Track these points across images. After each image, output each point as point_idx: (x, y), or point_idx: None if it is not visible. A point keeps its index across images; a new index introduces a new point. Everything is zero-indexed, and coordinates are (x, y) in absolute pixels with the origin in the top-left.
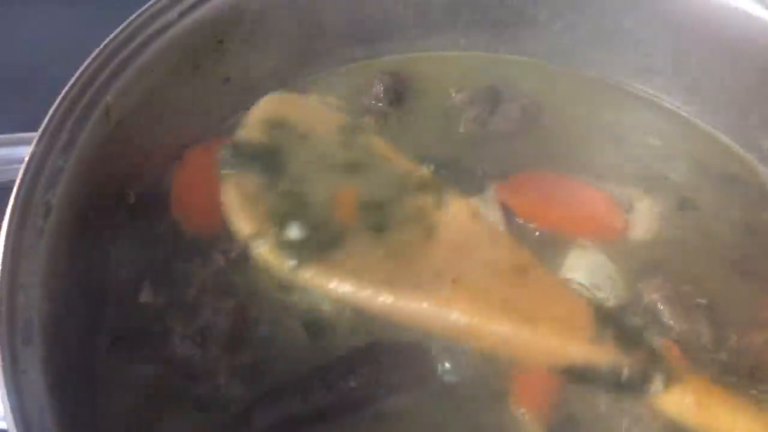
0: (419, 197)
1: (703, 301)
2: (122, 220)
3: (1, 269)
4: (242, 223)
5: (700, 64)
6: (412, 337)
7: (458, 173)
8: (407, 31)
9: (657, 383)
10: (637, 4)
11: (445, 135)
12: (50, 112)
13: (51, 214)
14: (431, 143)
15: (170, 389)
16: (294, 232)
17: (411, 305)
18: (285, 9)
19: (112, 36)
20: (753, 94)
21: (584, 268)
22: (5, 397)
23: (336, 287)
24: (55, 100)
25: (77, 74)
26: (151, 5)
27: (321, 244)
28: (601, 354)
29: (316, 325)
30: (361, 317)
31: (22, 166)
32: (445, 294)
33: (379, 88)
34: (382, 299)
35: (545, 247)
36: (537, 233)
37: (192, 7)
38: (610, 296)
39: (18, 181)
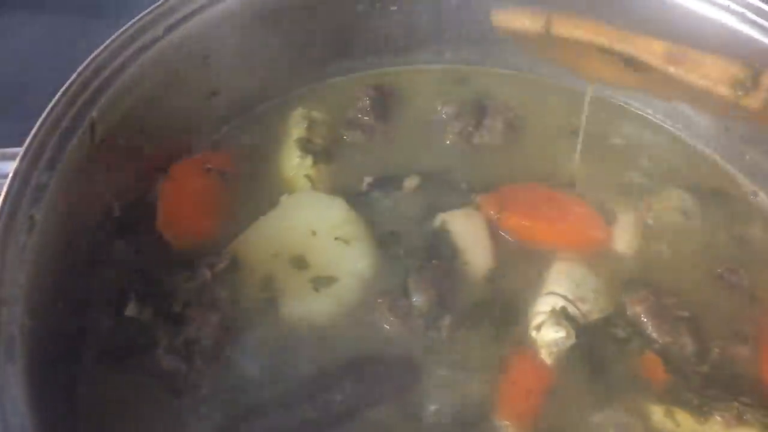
0: None
1: (685, 313)
2: (107, 235)
3: None
4: None
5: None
6: (396, 351)
7: (443, 186)
8: (393, 45)
9: None
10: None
11: (431, 148)
12: (35, 128)
13: (35, 230)
14: (417, 156)
15: (155, 403)
16: None
17: None
18: (270, 24)
19: (97, 51)
20: (736, 108)
21: (567, 282)
22: None
23: None
24: (39, 115)
25: (62, 90)
26: (137, 21)
27: None
28: None
29: (300, 339)
30: (345, 330)
31: (6, 182)
32: None
33: (365, 102)
34: None
35: (529, 260)
36: (520, 246)
37: (177, 23)
38: (593, 309)
39: (2, 197)
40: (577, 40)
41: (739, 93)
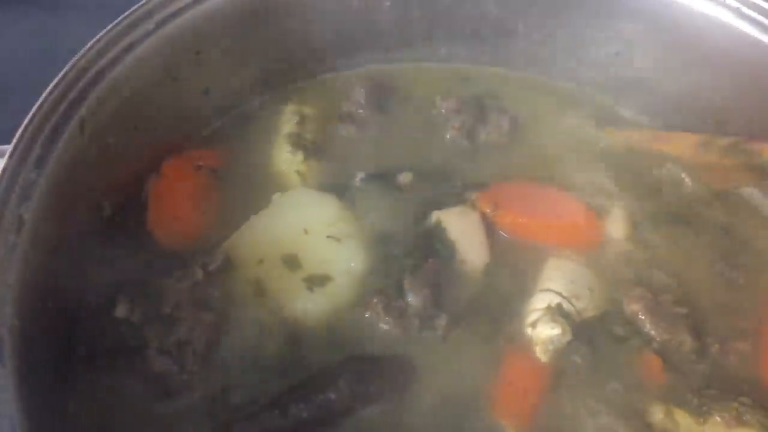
0: None
1: (683, 310)
2: (97, 234)
3: None
4: None
5: (678, 75)
6: (391, 350)
7: (438, 182)
8: (387, 42)
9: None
10: (616, 16)
11: (426, 144)
12: (23, 125)
13: (24, 229)
14: (411, 152)
15: (146, 404)
16: None
17: None
18: (263, 20)
19: (86, 47)
20: (730, 105)
21: (562, 278)
22: None
23: None
24: (27, 112)
25: (51, 86)
26: (127, 16)
27: None
28: None
29: (294, 339)
30: (339, 330)
31: None
32: None
33: (360, 93)
34: None
35: (524, 257)
36: (516, 243)
37: (168, 18)
38: (588, 306)
39: None
40: None
41: None
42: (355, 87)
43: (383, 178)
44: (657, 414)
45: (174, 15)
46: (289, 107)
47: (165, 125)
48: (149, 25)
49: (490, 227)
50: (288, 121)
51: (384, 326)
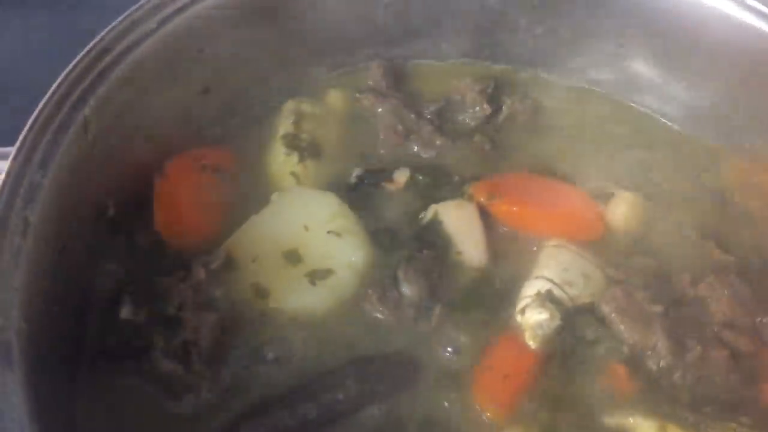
0: None
1: (659, 308)
2: (102, 235)
3: None
4: None
5: (683, 67)
6: (393, 344)
7: (435, 177)
8: (389, 38)
9: None
10: (617, 9)
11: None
12: (27, 126)
13: (29, 231)
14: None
15: (153, 406)
16: None
17: None
18: (265, 18)
19: (89, 47)
20: (733, 98)
21: (556, 266)
22: None
23: None
24: (30, 113)
25: (54, 87)
26: (129, 14)
27: None
28: None
29: (299, 335)
30: (344, 324)
31: None
32: None
33: (378, 72)
34: None
35: (522, 248)
36: (514, 234)
37: (171, 17)
38: (582, 293)
39: None
40: None
41: None
42: (372, 66)
43: (380, 174)
44: (650, 430)
45: (176, 14)
46: (288, 105)
47: (168, 125)
48: (151, 24)
49: (488, 220)
50: (285, 120)
51: (381, 317)
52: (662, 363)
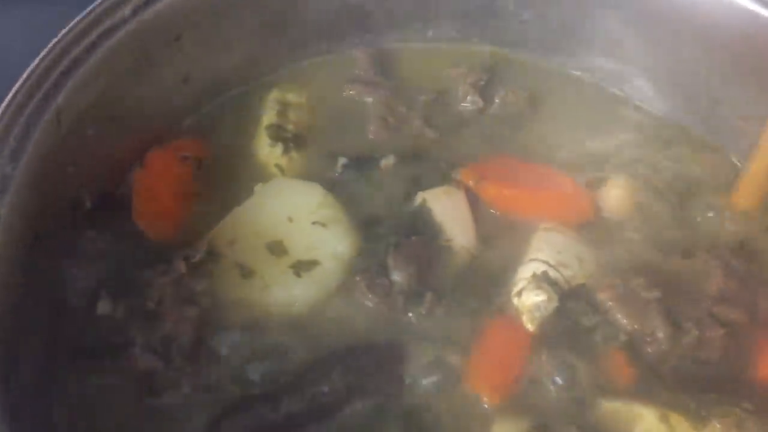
0: None
1: (656, 294)
2: (77, 229)
3: None
4: None
5: (672, 52)
6: (381, 334)
7: (422, 164)
8: (375, 23)
9: None
10: None
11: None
12: None
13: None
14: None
15: (134, 404)
16: None
17: None
18: (243, 4)
19: (61, 35)
20: (725, 84)
21: (549, 249)
22: None
23: None
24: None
25: (24, 76)
26: (102, 1)
27: None
28: None
29: (285, 327)
30: (331, 315)
31: None
32: None
33: (365, 61)
34: None
35: (512, 232)
36: (504, 219)
37: (146, 3)
38: (577, 275)
39: None
40: None
41: None
42: (359, 54)
43: (365, 163)
44: (650, 417)
45: (151, 0)
46: (272, 95)
47: (145, 115)
48: (125, 10)
49: (478, 206)
50: (270, 110)
51: (370, 304)
52: (662, 348)
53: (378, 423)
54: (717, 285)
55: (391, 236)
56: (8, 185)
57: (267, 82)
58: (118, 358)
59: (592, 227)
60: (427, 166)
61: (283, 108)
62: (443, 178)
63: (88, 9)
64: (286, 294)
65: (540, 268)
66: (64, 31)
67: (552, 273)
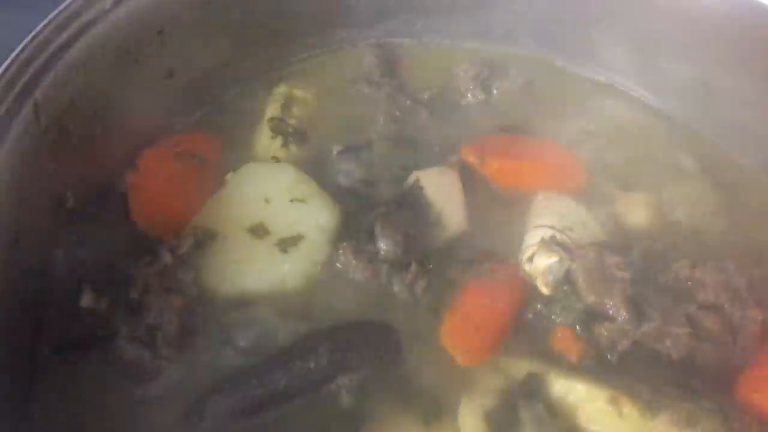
0: None
1: (625, 274)
2: (59, 226)
3: None
4: None
5: (664, 40)
6: (370, 310)
7: (416, 149)
8: (361, 19)
9: None
10: None
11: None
12: None
13: None
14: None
15: (120, 393)
16: None
17: None
18: None
19: (38, 28)
20: (719, 72)
21: (552, 215)
22: None
23: None
24: None
25: (1, 71)
26: None
27: None
28: None
29: (272, 306)
30: (318, 288)
31: None
32: None
33: (371, 60)
34: None
35: (507, 203)
36: (500, 193)
37: None
38: (583, 236)
39: None
40: None
41: None
42: (364, 54)
43: (360, 148)
44: (600, 400)
45: None
46: (279, 89)
47: (131, 111)
48: (106, 2)
49: (474, 182)
50: (274, 103)
51: (354, 273)
52: (616, 327)
53: (364, 397)
54: (706, 295)
55: (380, 207)
56: None
57: (255, 76)
58: (103, 350)
59: (590, 196)
60: (422, 149)
61: (288, 102)
62: (438, 161)
63: (66, 2)
64: (276, 271)
65: (547, 233)
66: (42, 24)
67: (559, 236)
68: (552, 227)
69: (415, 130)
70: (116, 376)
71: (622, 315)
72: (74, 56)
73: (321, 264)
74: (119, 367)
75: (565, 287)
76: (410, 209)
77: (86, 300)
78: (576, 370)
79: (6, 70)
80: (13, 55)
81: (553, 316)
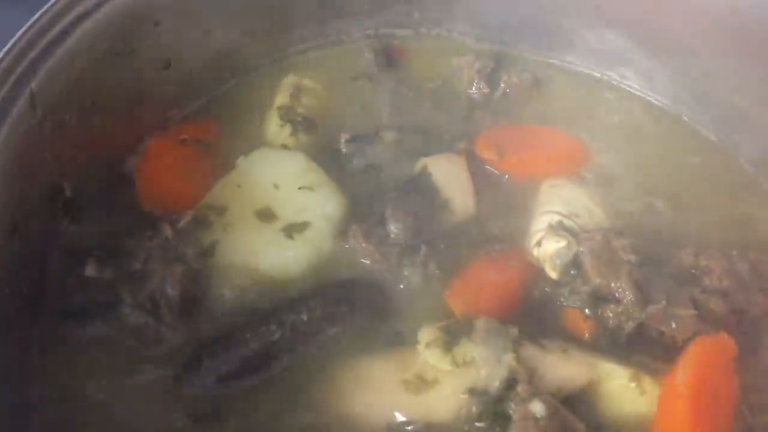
0: None
1: (632, 257)
2: (58, 214)
3: None
4: None
5: (657, 28)
6: (357, 274)
7: (424, 137)
8: (359, 9)
9: None
10: None
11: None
12: None
13: None
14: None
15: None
16: None
17: None
18: None
19: (34, 19)
20: (715, 60)
21: (559, 201)
22: None
23: None
24: None
25: None
26: None
27: None
28: None
29: (277, 283)
30: (324, 269)
31: None
32: None
33: (368, 57)
34: None
35: (518, 188)
36: (506, 178)
37: None
38: (589, 222)
39: None
40: None
41: None
42: (363, 49)
43: (367, 137)
44: (623, 377)
45: None
46: (288, 79)
47: (129, 100)
48: None
49: (482, 169)
50: (284, 91)
51: (363, 255)
52: (621, 309)
53: (354, 348)
54: (711, 280)
55: (390, 192)
56: None
57: (270, 69)
58: (107, 318)
59: (593, 181)
60: (430, 138)
61: (297, 91)
62: (446, 149)
63: None
64: (281, 256)
65: (554, 218)
66: (38, 13)
67: (566, 222)
68: (559, 213)
69: (421, 120)
70: (121, 347)
71: (628, 297)
72: (70, 46)
73: (326, 252)
74: (124, 335)
75: (572, 271)
76: (419, 194)
77: (90, 270)
78: (593, 348)
79: (1, 60)
80: (9, 44)
81: (561, 299)
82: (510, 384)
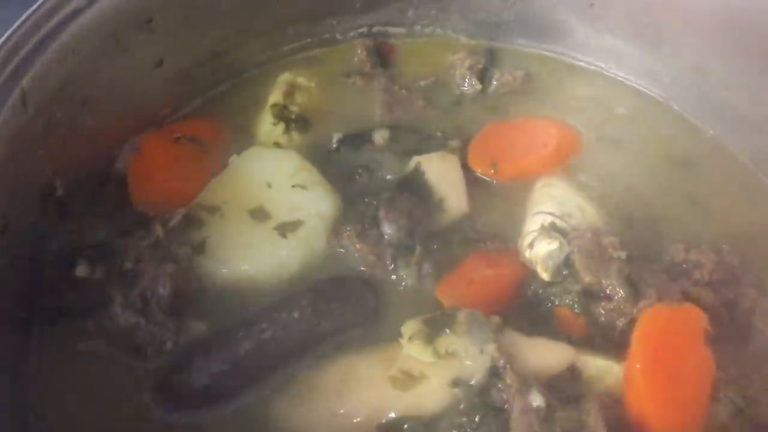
0: None
1: (621, 254)
2: (50, 212)
3: None
4: None
5: (651, 23)
6: (352, 272)
7: (416, 136)
8: (352, 7)
9: None
10: None
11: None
12: None
13: None
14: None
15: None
16: None
17: None
18: None
19: (26, 15)
20: (709, 53)
21: (551, 201)
22: None
23: None
24: None
25: None
26: None
27: None
28: None
29: (270, 283)
30: (317, 269)
31: None
32: None
33: (361, 54)
34: None
35: (508, 191)
36: (499, 181)
37: None
38: (582, 223)
39: None
40: None
41: None
42: (356, 47)
43: (359, 137)
44: (614, 375)
45: None
46: (282, 77)
47: (122, 98)
48: None
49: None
50: (277, 89)
51: (358, 256)
52: (612, 306)
53: (346, 347)
54: (702, 274)
55: (383, 193)
56: None
57: (264, 69)
58: (98, 318)
59: (586, 179)
60: (423, 137)
61: (290, 90)
62: (439, 146)
63: None
64: (274, 255)
65: (547, 219)
66: (29, 10)
67: (559, 223)
68: (551, 214)
69: (413, 119)
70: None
71: (619, 293)
72: (62, 44)
73: (319, 251)
74: (115, 335)
75: (564, 272)
76: (412, 193)
77: (81, 270)
78: (586, 346)
79: None
80: None
81: (552, 298)
82: (494, 373)
